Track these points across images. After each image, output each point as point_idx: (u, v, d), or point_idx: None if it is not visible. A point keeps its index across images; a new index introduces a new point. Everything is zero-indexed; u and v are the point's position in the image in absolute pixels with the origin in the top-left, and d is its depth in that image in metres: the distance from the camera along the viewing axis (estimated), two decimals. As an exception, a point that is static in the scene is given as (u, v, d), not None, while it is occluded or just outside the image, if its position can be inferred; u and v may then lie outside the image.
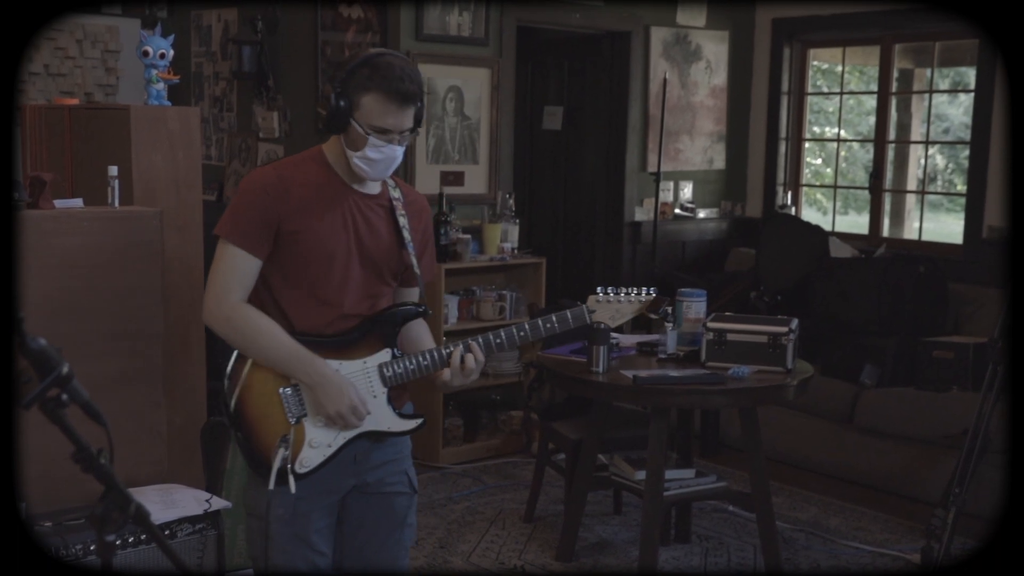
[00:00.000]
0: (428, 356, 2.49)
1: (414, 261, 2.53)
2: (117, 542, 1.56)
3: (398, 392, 2.55)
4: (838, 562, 4.31)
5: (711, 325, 4.03)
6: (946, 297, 5.40)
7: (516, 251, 5.66)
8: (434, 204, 5.36)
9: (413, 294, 2.62)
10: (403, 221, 2.52)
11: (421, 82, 2.41)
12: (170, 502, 3.19)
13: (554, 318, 2.53)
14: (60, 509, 3.09)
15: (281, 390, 2.43)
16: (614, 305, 2.59)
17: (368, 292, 2.49)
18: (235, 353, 2.44)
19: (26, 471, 3.03)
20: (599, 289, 2.60)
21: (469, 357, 2.48)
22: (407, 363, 2.48)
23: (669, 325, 4.15)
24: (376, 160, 2.40)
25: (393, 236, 2.51)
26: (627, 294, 2.60)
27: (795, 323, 4.04)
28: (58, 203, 3.36)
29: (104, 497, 1.56)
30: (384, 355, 2.48)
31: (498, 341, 2.52)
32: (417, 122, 2.44)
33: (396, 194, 2.54)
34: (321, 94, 2.42)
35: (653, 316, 2.63)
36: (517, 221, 5.72)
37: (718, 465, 5.33)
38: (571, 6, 6.03)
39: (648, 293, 2.62)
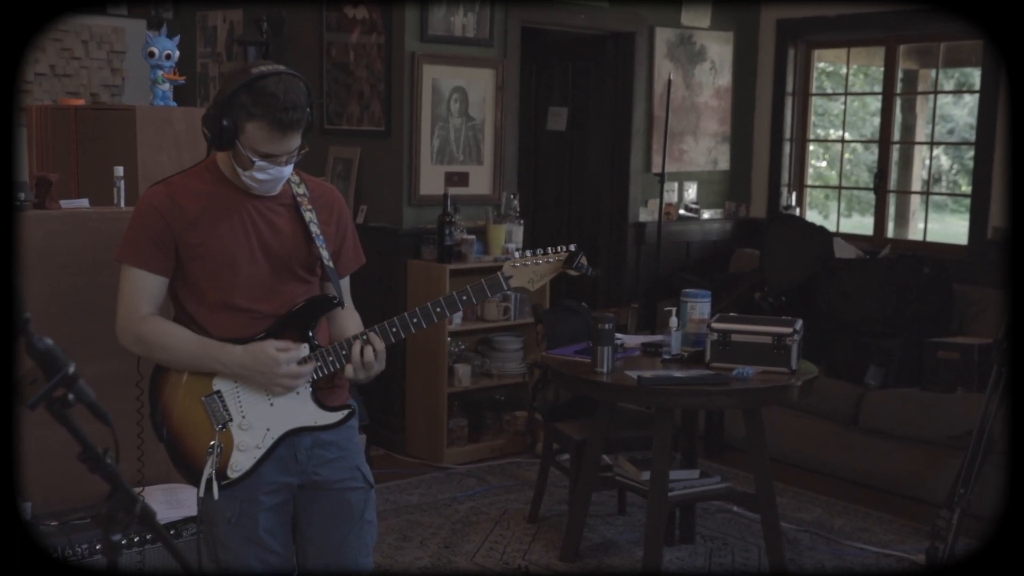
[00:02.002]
0: (347, 346, 2.45)
1: (324, 255, 2.50)
2: (123, 542, 1.56)
3: (330, 389, 2.54)
4: (842, 563, 4.31)
5: (715, 326, 4.03)
6: (951, 298, 5.40)
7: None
8: (439, 205, 5.37)
9: (342, 286, 2.58)
10: (309, 216, 2.50)
11: (304, 103, 2.35)
12: (175, 502, 3.20)
13: (469, 289, 2.48)
14: (66, 509, 3.09)
15: (203, 399, 2.44)
16: (531, 268, 2.53)
17: (281, 292, 2.48)
18: (152, 370, 2.46)
19: (32, 471, 3.04)
20: (515, 253, 2.54)
21: (368, 350, 2.44)
22: (326, 356, 2.46)
23: (673, 325, 4.15)
24: (265, 180, 2.40)
25: (300, 233, 2.49)
26: (543, 254, 2.54)
27: (799, 324, 4.04)
28: (64, 203, 3.36)
29: (110, 497, 1.56)
30: (302, 351, 2.46)
31: (415, 320, 2.47)
32: (307, 130, 2.40)
33: (300, 190, 2.52)
34: (204, 113, 2.38)
35: (572, 272, 2.56)
36: (521, 222, 5.72)
37: (722, 466, 5.32)
38: (576, 7, 6.04)
39: (566, 249, 2.56)
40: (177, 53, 4.01)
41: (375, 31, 5.58)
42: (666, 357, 4.15)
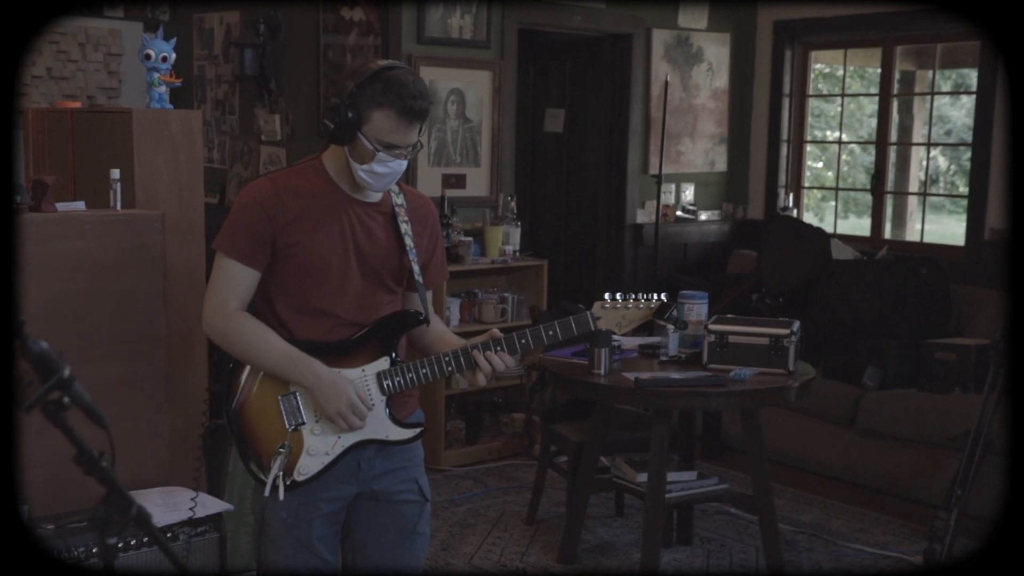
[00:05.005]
0: (427, 365, 2.46)
1: (415, 267, 2.51)
2: (119, 545, 1.56)
3: (402, 400, 2.54)
4: (840, 564, 4.31)
5: (713, 327, 4.03)
6: (948, 299, 5.40)
7: (518, 254, 5.67)
8: (436, 207, 5.36)
9: (419, 300, 2.59)
10: (405, 227, 2.51)
11: (430, 98, 2.42)
12: (172, 505, 3.19)
13: (557, 325, 2.46)
14: (63, 512, 3.09)
15: (279, 398, 2.44)
16: (620, 311, 2.52)
17: (369, 300, 2.49)
18: (233, 361, 2.46)
19: (30, 474, 3.03)
20: (606, 295, 2.53)
21: (496, 360, 2.45)
22: (406, 372, 2.46)
23: (671, 327, 4.15)
24: (382, 174, 2.40)
25: (394, 243, 2.51)
26: (634, 300, 2.52)
27: (797, 325, 4.04)
28: (60, 206, 3.36)
29: (105, 500, 1.56)
30: (382, 363, 2.47)
31: (499, 349, 2.47)
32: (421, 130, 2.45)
33: (399, 200, 2.54)
34: (326, 105, 2.41)
35: (661, 322, 2.56)
36: (519, 224, 5.72)
37: (720, 467, 5.33)
38: (573, 8, 6.04)
39: (658, 299, 2.54)
40: (173, 55, 4.01)
41: (372, 33, 5.58)
42: (664, 359, 4.15)
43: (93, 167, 3.89)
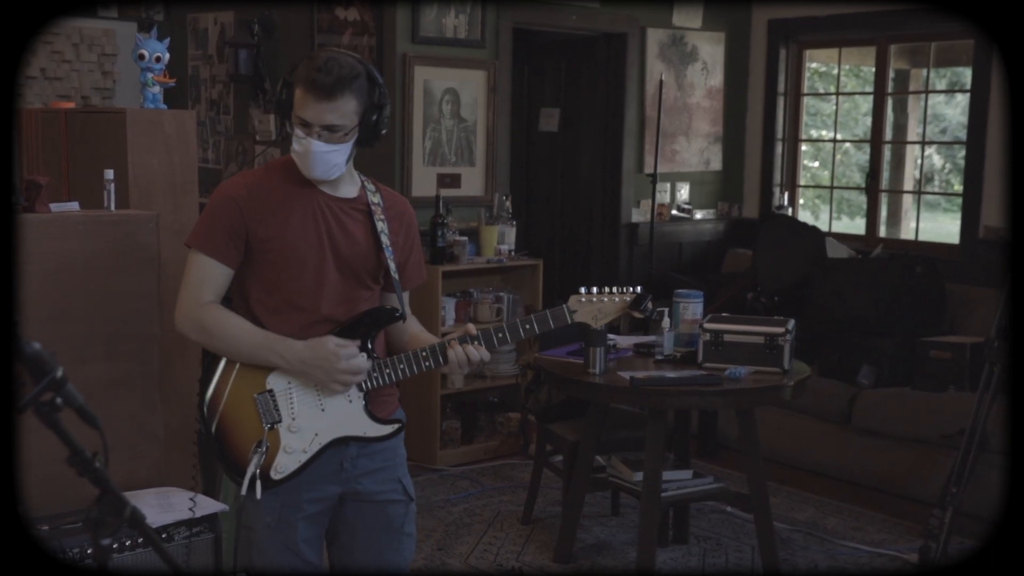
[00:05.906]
0: (404, 361, 2.46)
1: (391, 265, 2.50)
2: (114, 546, 1.55)
3: (382, 399, 2.53)
4: (836, 562, 4.31)
5: (708, 326, 4.03)
6: (943, 297, 5.40)
7: (513, 253, 5.67)
8: (431, 206, 5.37)
9: (396, 299, 2.58)
10: (381, 225, 2.50)
11: (348, 75, 2.33)
12: (166, 505, 3.18)
13: (533, 319, 2.47)
14: (58, 512, 3.08)
15: (256, 396, 2.43)
16: (596, 305, 2.51)
17: (345, 296, 2.48)
18: (209, 359, 2.45)
19: (27, 475, 3.03)
20: (582, 289, 2.52)
21: (471, 350, 2.44)
22: (383, 368, 2.45)
23: (666, 326, 4.16)
24: (299, 153, 2.38)
25: (370, 239, 2.49)
26: (610, 293, 2.51)
27: (792, 324, 4.04)
28: (54, 207, 3.35)
29: (99, 501, 1.56)
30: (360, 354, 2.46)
31: (477, 344, 2.46)
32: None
33: (375, 199, 2.52)
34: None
35: (637, 314, 2.54)
36: (514, 223, 5.72)
37: (716, 466, 5.33)
38: (567, 8, 6.04)
39: (633, 291, 2.53)
40: (167, 55, 4.00)
41: (366, 33, 5.57)
42: (659, 358, 4.15)
43: (87, 167, 3.88)
